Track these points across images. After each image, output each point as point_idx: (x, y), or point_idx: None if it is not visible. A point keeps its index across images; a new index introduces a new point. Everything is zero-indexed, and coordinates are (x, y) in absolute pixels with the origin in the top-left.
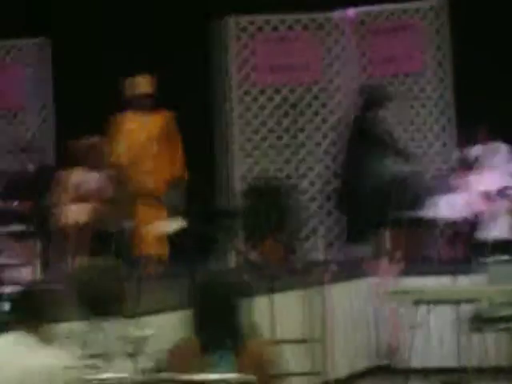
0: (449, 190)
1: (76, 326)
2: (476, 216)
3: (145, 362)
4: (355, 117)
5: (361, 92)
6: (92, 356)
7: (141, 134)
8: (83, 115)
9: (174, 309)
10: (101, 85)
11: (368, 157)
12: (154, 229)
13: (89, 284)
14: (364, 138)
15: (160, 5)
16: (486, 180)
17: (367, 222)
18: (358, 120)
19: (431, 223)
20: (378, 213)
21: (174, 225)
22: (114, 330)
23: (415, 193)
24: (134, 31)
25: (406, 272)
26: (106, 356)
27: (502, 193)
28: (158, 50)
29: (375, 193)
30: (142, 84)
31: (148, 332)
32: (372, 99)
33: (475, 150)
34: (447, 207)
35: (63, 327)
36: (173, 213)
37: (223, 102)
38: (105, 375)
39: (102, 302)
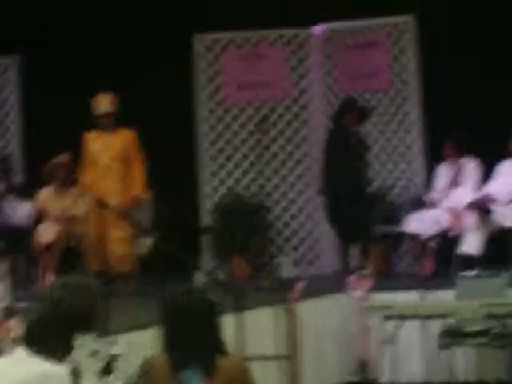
0: (417, 206)
1: None
2: (445, 232)
3: (115, 380)
4: (332, 129)
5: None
6: None
7: (104, 154)
8: (55, 132)
9: (144, 327)
10: (74, 101)
11: (344, 168)
12: (124, 247)
13: (61, 301)
14: (340, 149)
15: (130, 22)
16: (455, 196)
17: (345, 235)
18: (334, 131)
19: (400, 239)
20: (354, 226)
21: (145, 244)
22: (84, 346)
23: (385, 208)
24: (105, 48)
25: (376, 287)
26: (75, 373)
27: (470, 209)
28: (128, 67)
29: (351, 205)
30: (103, 103)
31: (118, 350)
32: (344, 107)
33: (442, 168)
34: (416, 223)
35: None
36: (141, 232)
37: (191, 121)
38: None
39: (74, 320)
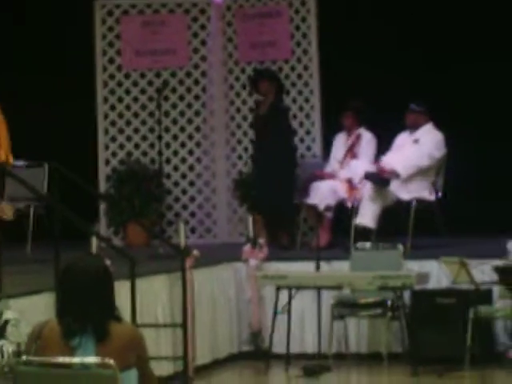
0: (314, 177)
1: None
2: (341, 203)
3: (6, 345)
4: (274, 102)
5: (269, 76)
6: None
7: None
8: None
9: (37, 292)
10: None
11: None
12: None
13: None
14: (280, 123)
15: None
16: (351, 167)
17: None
18: (276, 105)
19: (296, 209)
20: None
21: (8, 210)
22: None
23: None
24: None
25: (270, 257)
26: None
27: (366, 177)
28: (28, 28)
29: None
30: None
31: (11, 314)
32: (282, 84)
33: (339, 137)
34: (313, 194)
35: None
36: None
37: (91, 85)
38: None
39: None
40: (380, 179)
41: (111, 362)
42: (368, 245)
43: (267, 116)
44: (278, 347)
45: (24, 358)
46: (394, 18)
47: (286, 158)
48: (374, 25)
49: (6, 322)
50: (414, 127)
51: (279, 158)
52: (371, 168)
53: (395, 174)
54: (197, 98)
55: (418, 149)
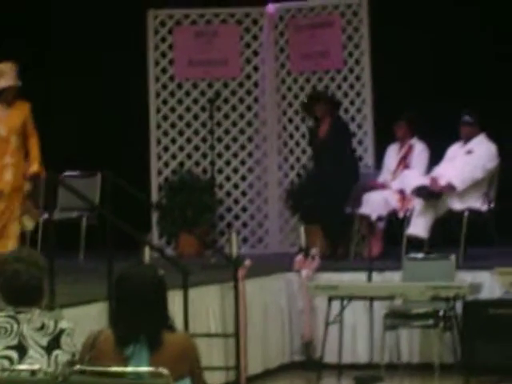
0: (366, 187)
1: None
2: (393, 213)
3: (60, 355)
4: (333, 125)
5: (324, 98)
6: (6, 347)
7: (1, 127)
8: None
9: (90, 302)
10: None
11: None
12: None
13: (11, 274)
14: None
15: None
16: (403, 177)
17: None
18: (336, 127)
19: (349, 220)
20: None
21: (30, 221)
22: (31, 321)
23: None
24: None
25: (322, 268)
26: (21, 348)
27: (417, 191)
28: (82, 41)
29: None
30: (10, 75)
31: (65, 324)
32: (337, 103)
33: (392, 148)
34: (365, 204)
35: None
36: (35, 209)
37: (142, 97)
38: (19, 367)
39: (21, 293)
40: (430, 193)
41: (165, 371)
42: (420, 255)
43: (328, 141)
44: (330, 357)
45: (78, 367)
46: (447, 28)
47: (346, 176)
48: (428, 34)
49: (61, 331)
50: (468, 139)
51: (339, 178)
52: (423, 179)
53: (451, 188)
54: (249, 108)
55: (471, 160)
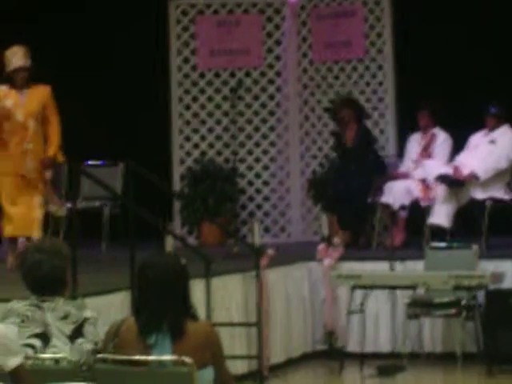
0: (389, 176)
1: (15, 305)
2: (416, 202)
3: (84, 344)
4: (362, 127)
5: (349, 104)
6: (30, 335)
7: (18, 111)
8: None
9: (113, 291)
10: None
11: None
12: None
13: (31, 264)
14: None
15: None
16: (426, 167)
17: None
18: (362, 135)
19: (371, 209)
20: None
21: (59, 207)
22: (55, 309)
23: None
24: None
25: (344, 257)
26: (44, 336)
27: (440, 178)
28: (104, 30)
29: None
30: (19, 56)
31: (89, 313)
32: (363, 110)
33: (414, 137)
34: (387, 193)
35: (1, 306)
36: (56, 195)
37: (164, 86)
38: (43, 355)
39: (44, 283)
40: (453, 181)
41: (188, 359)
42: (442, 244)
43: (354, 150)
44: (352, 346)
45: (101, 355)
46: (470, 18)
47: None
48: (450, 23)
49: (85, 320)
50: (493, 129)
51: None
52: (446, 168)
53: (475, 177)
54: (271, 97)
55: (495, 150)
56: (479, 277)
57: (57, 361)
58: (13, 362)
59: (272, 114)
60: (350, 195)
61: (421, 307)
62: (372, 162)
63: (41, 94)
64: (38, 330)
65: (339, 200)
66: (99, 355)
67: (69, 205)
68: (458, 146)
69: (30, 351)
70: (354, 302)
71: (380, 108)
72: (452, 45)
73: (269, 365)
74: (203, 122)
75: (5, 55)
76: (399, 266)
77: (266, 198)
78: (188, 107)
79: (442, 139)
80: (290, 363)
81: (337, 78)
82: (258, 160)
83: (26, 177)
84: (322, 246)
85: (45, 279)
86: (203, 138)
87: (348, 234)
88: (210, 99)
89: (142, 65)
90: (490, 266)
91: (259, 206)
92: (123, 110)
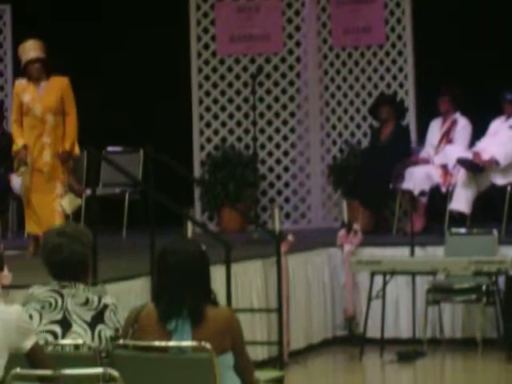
0: (409, 162)
1: (36, 291)
2: (435, 188)
3: (104, 330)
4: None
5: (390, 101)
6: (51, 321)
7: (36, 106)
8: None
9: (133, 277)
10: None
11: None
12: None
13: (52, 247)
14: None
15: None
16: (446, 152)
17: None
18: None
19: (391, 195)
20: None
21: (73, 202)
22: (76, 296)
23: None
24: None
25: (364, 243)
26: (65, 322)
27: (461, 162)
28: (124, 17)
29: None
30: (31, 49)
31: (108, 300)
32: (403, 108)
33: (435, 123)
34: (407, 179)
35: (23, 291)
36: (70, 189)
37: (184, 72)
38: (62, 341)
39: (64, 268)
40: (474, 165)
41: (208, 345)
42: (463, 230)
43: (388, 146)
44: (373, 332)
45: (121, 341)
46: (492, 2)
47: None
48: (471, 9)
49: (105, 306)
50: (511, 115)
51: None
52: (466, 154)
53: (495, 163)
54: (291, 83)
55: None
56: (499, 262)
57: (77, 347)
58: (28, 343)
59: (292, 99)
60: (372, 181)
61: (441, 293)
62: (401, 157)
63: (58, 86)
64: (58, 317)
65: (360, 184)
66: (119, 341)
67: (88, 192)
68: (477, 132)
69: (50, 337)
70: (374, 288)
71: (400, 94)
72: (472, 30)
73: (289, 351)
74: (223, 108)
75: (19, 49)
76: (419, 252)
77: (287, 184)
78: (208, 93)
79: (463, 125)
80: (311, 349)
81: (357, 63)
82: (278, 146)
83: (43, 171)
84: (342, 232)
85: (65, 263)
86: (223, 124)
87: (369, 216)
88: (230, 85)
89: (163, 51)
90: (510, 252)
91: (279, 192)
92: (144, 97)
